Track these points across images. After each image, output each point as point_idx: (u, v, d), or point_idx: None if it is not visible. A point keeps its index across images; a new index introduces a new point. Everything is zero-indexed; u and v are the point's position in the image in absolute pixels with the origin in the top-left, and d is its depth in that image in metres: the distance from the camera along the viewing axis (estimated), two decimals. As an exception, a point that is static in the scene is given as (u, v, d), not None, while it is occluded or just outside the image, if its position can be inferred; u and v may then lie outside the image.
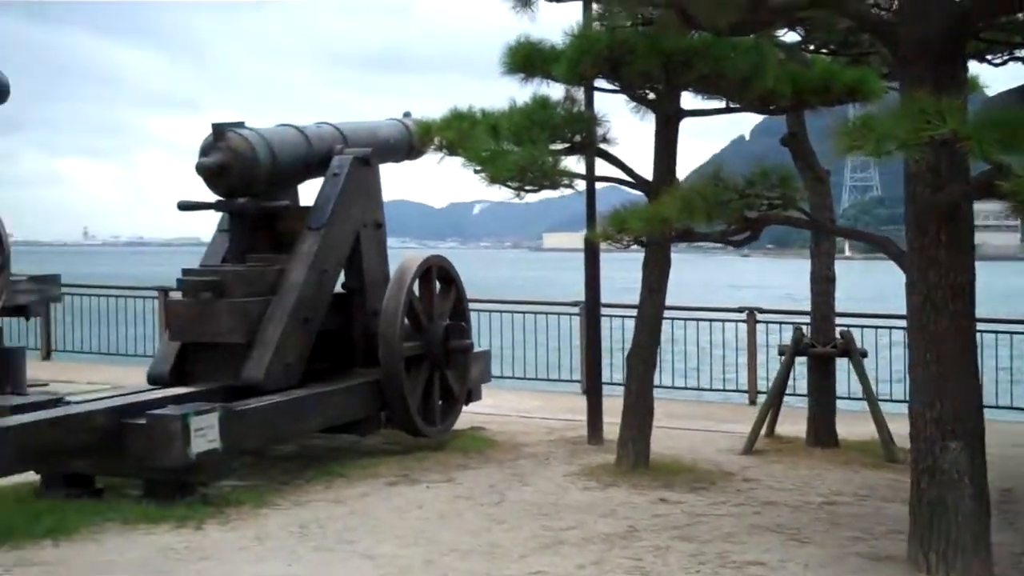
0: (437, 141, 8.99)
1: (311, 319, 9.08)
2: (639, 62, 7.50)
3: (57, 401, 7.99)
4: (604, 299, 10.77)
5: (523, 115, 8.66)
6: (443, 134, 8.76)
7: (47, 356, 17.23)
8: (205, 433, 7.49)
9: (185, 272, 9.04)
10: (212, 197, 9.32)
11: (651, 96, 8.67)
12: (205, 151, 8.99)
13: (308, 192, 10.10)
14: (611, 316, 13.79)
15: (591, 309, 10.54)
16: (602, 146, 8.96)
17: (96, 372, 15.27)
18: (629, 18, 7.99)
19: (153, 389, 8.76)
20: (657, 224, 6.66)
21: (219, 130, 8.93)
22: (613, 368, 14.52)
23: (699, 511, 7.81)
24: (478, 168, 8.34)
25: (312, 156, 9.66)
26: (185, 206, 9.44)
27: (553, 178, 7.98)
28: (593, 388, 10.51)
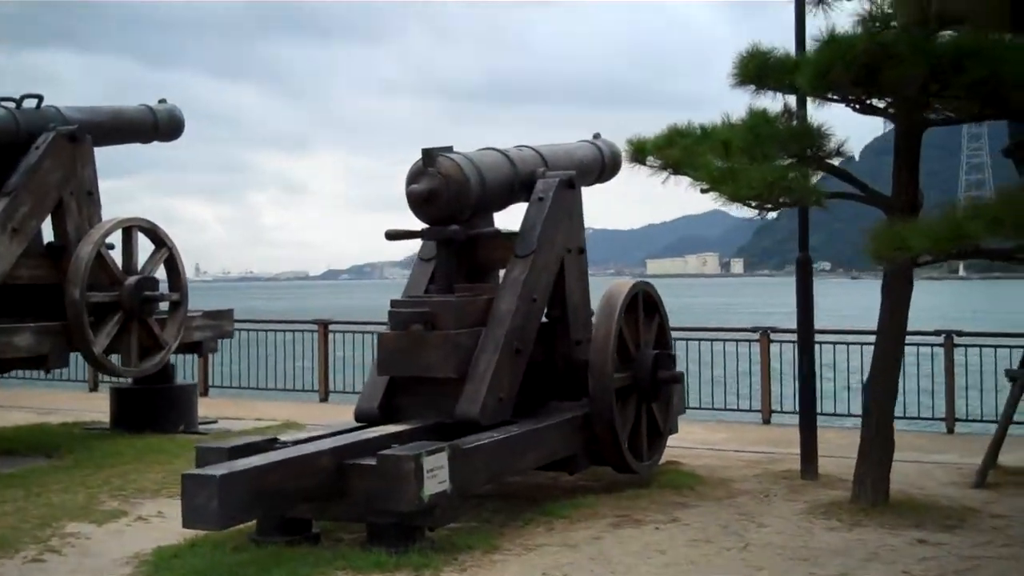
0: (656, 160, 8.47)
1: (522, 351, 8.62)
2: (904, 66, 6.86)
3: (272, 441, 7.61)
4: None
5: (746, 129, 8.11)
6: (665, 153, 8.22)
7: (204, 392, 17.12)
8: (436, 474, 7.02)
9: (394, 303, 8.64)
10: (416, 224, 8.94)
11: (877, 105, 8.04)
12: (415, 177, 8.60)
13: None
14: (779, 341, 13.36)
15: (804, 337, 9.87)
16: (832, 160, 8.34)
17: (252, 408, 15.02)
18: (900, 17, 7.27)
19: (361, 426, 8.37)
20: (951, 241, 6.01)
21: (429, 155, 8.54)
22: (783, 397, 13.93)
23: (967, 553, 7.13)
24: (707, 187, 7.80)
25: (516, 180, 9.24)
26: (393, 235, 9.06)
27: (801, 195, 7.37)
28: (807, 420, 9.84)
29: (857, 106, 8.06)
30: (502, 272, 9.90)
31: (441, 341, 8.22)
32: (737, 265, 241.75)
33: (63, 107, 11.96)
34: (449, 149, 8.79)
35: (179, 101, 13.35)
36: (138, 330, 11.66)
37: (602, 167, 10.59)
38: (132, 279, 11.59)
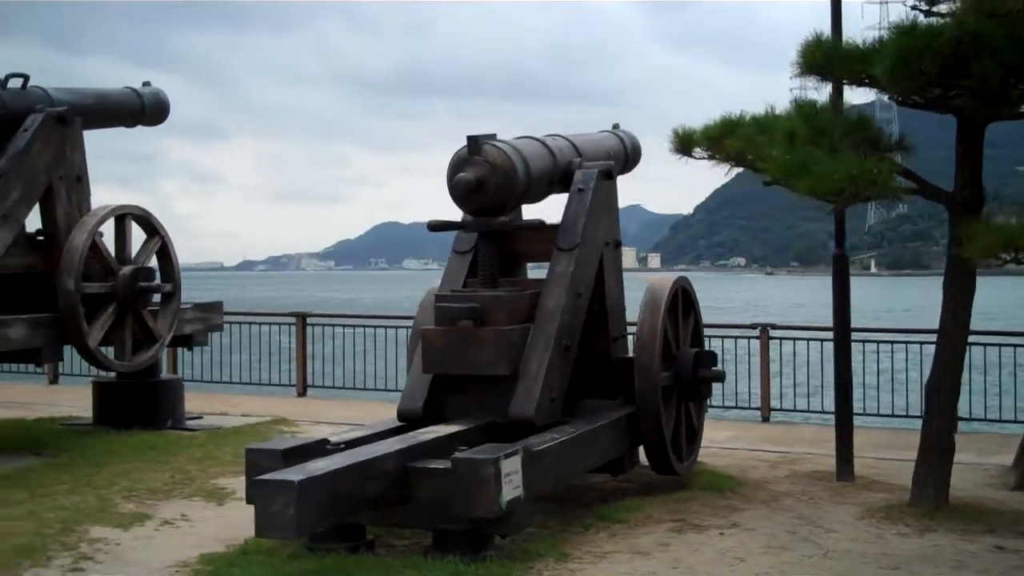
0: (705, 151, 8.17)
1: (570, 347, 8.27)
2: (1000, 55, 6.62)
3: (322, 443, 7.15)
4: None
5: (802, 120, 7.86)
6: (722, 144, 7.92)
7: (54, 380, 16.74)
8: (511, 479, 6.64)
9: (439, 298, 8.22)
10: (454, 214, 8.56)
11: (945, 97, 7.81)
12: (459, 165, 8.16)
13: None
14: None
15: (841, 335, 9.64)
16: (893, 154, 8.11)
17: (232, 403, 14.41)
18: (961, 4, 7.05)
19: (403, 426, 7.96)
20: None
21: (475, 143, 8.12)
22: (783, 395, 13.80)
23: (1052, 561, 6.96)
24: (773, 179, 7.52)
25: (556, 170, 8.87)
26: (436, 226, 8.62)
27: (883, 189, 7.11)
28: (843, 417, 9.63)
29: (920, 100, 7.85)
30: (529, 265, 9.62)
31: (493, 337, 7.84)
32: (654, 260, 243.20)
33: (49, 88, 11.30)
34: (493, 137, 8.40)
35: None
36: (132, 322, 11.06)
37: (625, 158, 10.29)
38: (127, 269, 10.98)
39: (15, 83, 10.94)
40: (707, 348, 9.89)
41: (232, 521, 8.04)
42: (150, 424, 11.71)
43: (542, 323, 8.10)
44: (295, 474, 6.08)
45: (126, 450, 10.47)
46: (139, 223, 11.29)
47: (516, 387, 7.84)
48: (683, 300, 9.34)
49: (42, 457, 10.28)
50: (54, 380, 16.81)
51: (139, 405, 11.84)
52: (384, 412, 13.48)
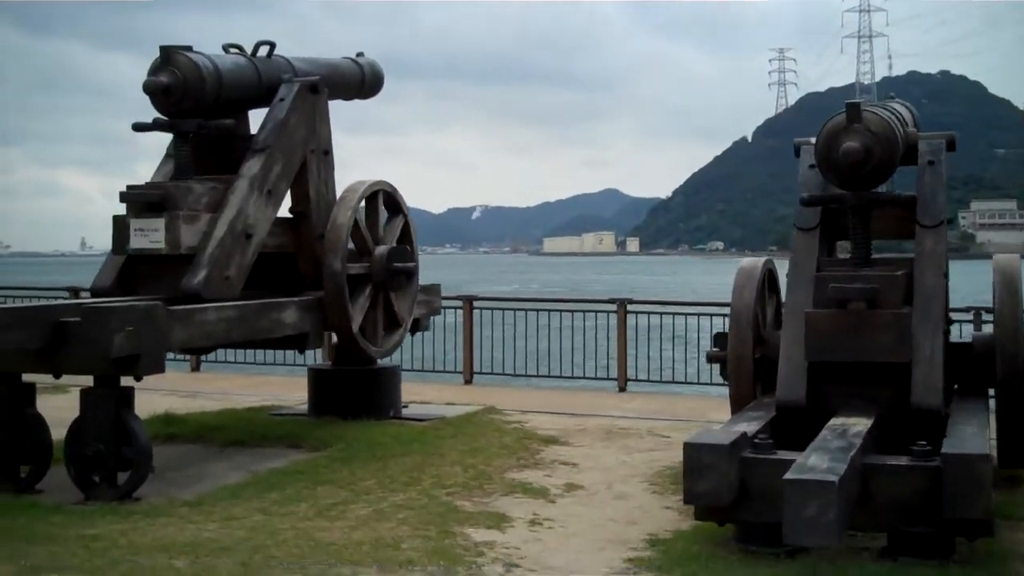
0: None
1: (948, 332, 7.80)
2: None
3: (746, 437, 6.62)
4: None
5: None
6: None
7: (196, 367, 16.29)
8: (988, 475, 6.14)
9: (822, 278, 7.63)
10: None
11: None
12: (838, 135, 7.60)
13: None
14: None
15: None
16: None
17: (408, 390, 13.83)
18: None
19: (779, 417, 7.47)
20: None
21: (855, 110, 7.54)
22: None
23: None
24: None
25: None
26: (811, 201, 8.10)
27: None
28: None
29: None
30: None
31: (893, 321, 7.32)
32: (633, 244, 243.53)
33: (290, 57, 10.67)
34: (864, 105, 7.89)
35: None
36: (384, 305, 10.46)
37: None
38: (382, 249, 10.38)
39: (263, 51, 10.29)
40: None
41: (593, 519, 7.64)
42: (374, 413, 11.12)
43: (927, 305, 7.61)
44: (826, 474, 5.55)
45: (389, 442, 9.87)
46: (386, 201, 10.69)
47: (913, 375, 7.34)
48: None
49: (305, 451, 9.68)
50: (196, 367, 16.19)
51: (361, 394, 11.22)
52: (562, 400, 13.13)
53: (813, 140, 8.18)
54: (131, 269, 9.30)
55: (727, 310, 14.19)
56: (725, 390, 14.07)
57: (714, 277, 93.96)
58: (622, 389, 14.43)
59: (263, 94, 10.05)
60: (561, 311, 15.58)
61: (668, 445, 10.46)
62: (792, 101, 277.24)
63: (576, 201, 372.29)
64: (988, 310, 10.33)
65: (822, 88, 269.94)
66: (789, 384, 7.62)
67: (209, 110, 9.54)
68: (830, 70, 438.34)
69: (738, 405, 8.39)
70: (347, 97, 11.57)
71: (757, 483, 6.31)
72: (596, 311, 15.18)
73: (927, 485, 6.11)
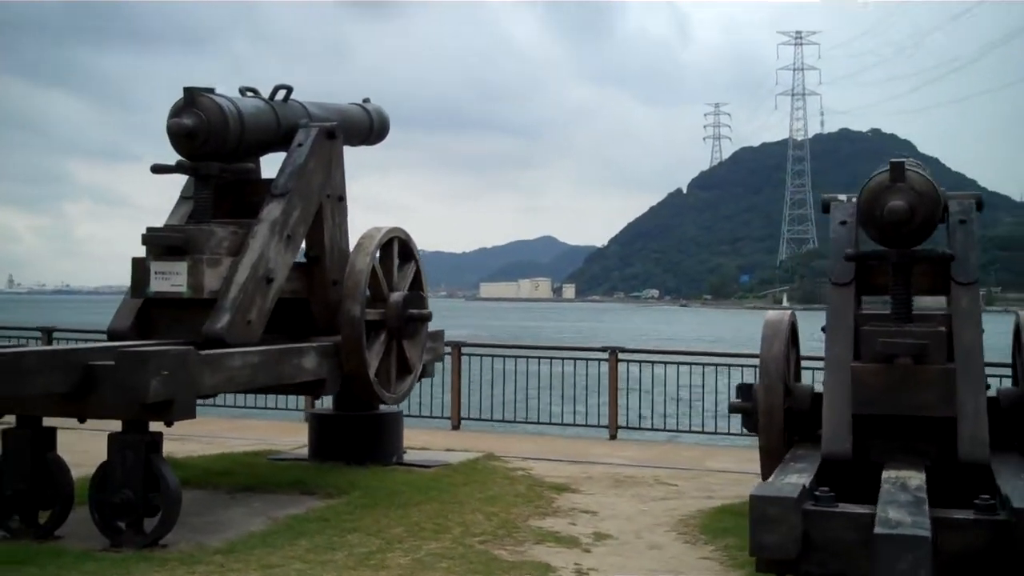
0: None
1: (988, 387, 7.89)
2: None
3: (807, 489, 6.61)
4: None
5: None
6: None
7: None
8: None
9: (869, 332, 7.69)
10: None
11: None
12: (888, 195, 7.70)
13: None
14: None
15: None
16: None
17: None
18: None
19: (826, 469, 7.46)
20: None
21: (899, 170, 7.66)
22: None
23: None
24: None
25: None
26: (855, 257, 8.15)
27: None
28: None
29: None
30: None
31: (939, 376, 7.39)
32: (569, 291, 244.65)
33: (305, 102, 10.59)
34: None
35: None
36: (396, 351, 10.36)
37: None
38: (397, 295, 10.29)
39: (279, 95, 10.20)
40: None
41: (635, 570, 7.58)
42: (377, 459, 10.98)
43: (965, 360, 7.67)
44: (918, 529, 5.54)
45: (405, 489, 9.73)
46: (400, 247, 10.61)
47: (960, 429, 7.39)
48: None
49: (319, 497, 9.50)
50: None
51: (365, 439, 11.08)
52: (557, 447, 13.09)
53: (841, 197, 8.29)
54: (147, 312, 9.12)
55: (718, 360, 14.61)
56: (720, 439, 14.46)
57: (658, 326, 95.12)
58: (613, 437, 14.40)
59: (280, 139, 9.96)
60: (551, 358, 15.52)
61: (679, 494, 10.46)
62: (727, 155, 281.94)
63: (513, 247, 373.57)
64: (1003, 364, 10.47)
65: (755, 143, 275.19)
66: (835, 436, 7.62)
67: (230, 154, 9.42)
68: (764, 125, 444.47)
69: (768, 457, 8.37)
70: (355, 143, 11.49)
71: (820, 535, 6.28)
72: (587, 359, 15.17)
73: (991, 538, 6.13)
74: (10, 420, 8.05)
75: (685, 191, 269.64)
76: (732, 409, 9.29)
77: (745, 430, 9.06)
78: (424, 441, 13.06)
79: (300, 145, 9.87)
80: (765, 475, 8.48)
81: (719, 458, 12.91)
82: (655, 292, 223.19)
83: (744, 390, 9.14)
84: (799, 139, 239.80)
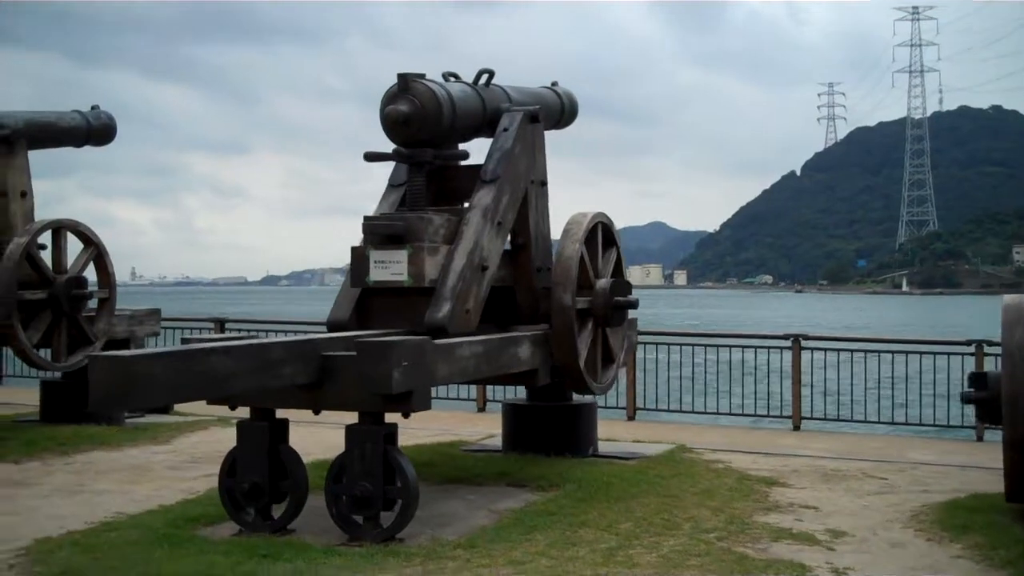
0: None
1: None
2: None
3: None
4: None
5: None
6: None
7: None
8: None
9: None
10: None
11: None
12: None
13: None
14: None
15: None
16: None
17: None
18: None
19: None
20: None
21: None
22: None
23: None
24: None
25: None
26: None
27: None
28: None
29: None
30: None
31: None
32: (680, 277, 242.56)
33: (506, 86, 10.45)
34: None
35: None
36: (601, 340, 10.14)
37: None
38: (603, 282, 10.03)
39: (482, 80, 10.07)
40: None
41: (895, 570, 7.20)
42: (573, 450, 10.80)
43: None
44: None
45: (615, 482, 9.52)
46: (603, 233, 10.42)
47: None
48: None
49: (531, 490, 9.32)
50: (481, 408, 15.86)
51: (561, 430, 10.89)
52: (743, 439, 12.79)
53: None
54: (364, 302, 9.06)
55: (895, 347, 14.10)
56: (909, 429, 13.98)
57: (788, 312, 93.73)
58: (796, 427, 14.03)
59: (485, 123, 9.83)
60: (731, 346, 15.23)
61: (892, 488, 10.09)
62: (841, 135, 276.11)
63: (623, 233, 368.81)
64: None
65: (871, 123, 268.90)
66: None
67: (442, 139, 9.31)
68: (880, 104, 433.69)
69: (1014, 449, 7.98)
70: (547, 127, 11.30)
71: None
72: (769, 347, 14.80)
73: None
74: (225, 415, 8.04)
75: (799, 174, 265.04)
76: (965, 400, 8.91)
77: (984, 423, 8.68)
78: (604, 432, 12.86)
79: (505, 130, 9.72)
80: (1009, 469, 8.11)
81: (919, 449, 12.47)
82: (768, 278, 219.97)
83: (979, 379, 8.75)
84: (917, 117, 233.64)
